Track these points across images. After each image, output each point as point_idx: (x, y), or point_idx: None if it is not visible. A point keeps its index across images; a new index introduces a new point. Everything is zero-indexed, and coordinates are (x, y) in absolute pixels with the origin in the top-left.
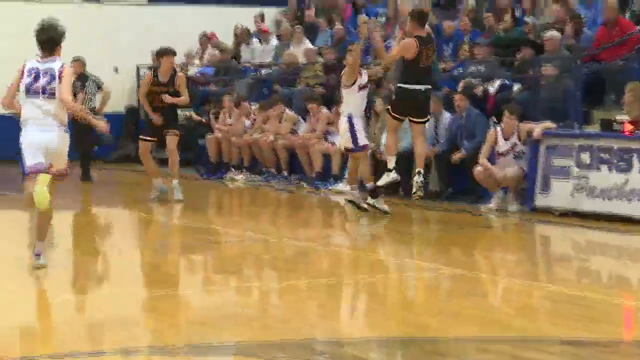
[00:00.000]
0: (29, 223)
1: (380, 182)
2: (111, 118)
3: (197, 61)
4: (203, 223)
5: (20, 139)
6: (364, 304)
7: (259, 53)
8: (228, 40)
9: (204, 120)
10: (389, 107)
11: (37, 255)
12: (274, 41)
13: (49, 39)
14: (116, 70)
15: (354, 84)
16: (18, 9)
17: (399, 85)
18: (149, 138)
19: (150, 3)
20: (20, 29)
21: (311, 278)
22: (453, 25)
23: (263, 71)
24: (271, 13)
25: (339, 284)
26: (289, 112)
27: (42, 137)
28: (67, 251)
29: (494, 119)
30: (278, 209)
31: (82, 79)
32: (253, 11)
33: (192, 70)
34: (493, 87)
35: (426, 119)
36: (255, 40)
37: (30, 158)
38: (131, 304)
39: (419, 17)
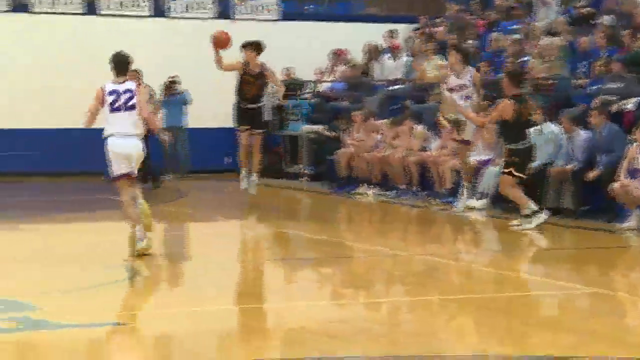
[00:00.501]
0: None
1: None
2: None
3: (328, 77)
4: (333, 237)
5: (106, 148)
6: (497, 320)
7: (389, 69)
8: (358, 57)
9: (334, 135)
10: (511, 169)
11: (141, 240)
12: (404, 57)
13: (124, 64)
14: None
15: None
16: (162, 25)
17: (510, 147)
18: (244, 127)
19: (281, 20)
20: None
21: (442, 294)
22: (588, 40)
23: (393, 87)
24: (402, 30)
25: (470, 300)
26: (418, 128)
27: (125, 146)
28: (207, 263)
29: (634, 135)
30: (408, 225)
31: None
32: (383, 27)
33: (323, 86)
34: (630, 104)
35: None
36: (385, 56)
37: (116, 165)
38: (261, 316)
39: (515, 76)
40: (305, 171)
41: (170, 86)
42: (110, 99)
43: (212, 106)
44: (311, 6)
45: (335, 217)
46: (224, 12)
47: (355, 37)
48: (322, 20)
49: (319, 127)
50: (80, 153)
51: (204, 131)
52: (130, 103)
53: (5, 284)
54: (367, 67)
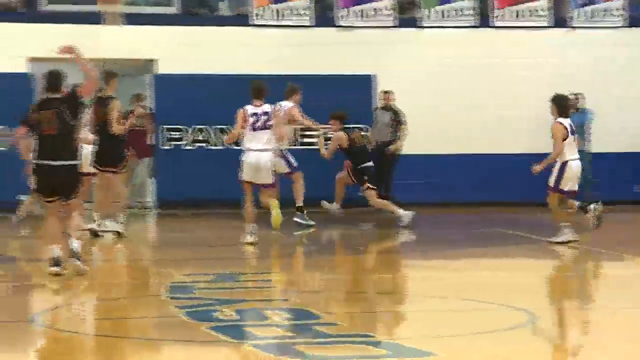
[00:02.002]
0: None
1: None
2: None
3: None
4: None
5: (243, 159)
6: None
7: None
8: None
9: None
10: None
11: None
12: None
13: (262, 90)
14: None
15: None
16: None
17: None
18: None
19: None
20: None
21: None
22: None
23: None
24: None
25: None
26: None
27: (259, 158)
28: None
29: None
30: None
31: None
32: None
33: None
34: None
35: None
36: None
37: (246, 174)
38: None
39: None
40: None
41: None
42: (251, 120)
43: (616, 127)
44: None
45: None
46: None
47: None
48: None
49: None
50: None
51: (607, 155)
52: (269, 123)
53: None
54: None
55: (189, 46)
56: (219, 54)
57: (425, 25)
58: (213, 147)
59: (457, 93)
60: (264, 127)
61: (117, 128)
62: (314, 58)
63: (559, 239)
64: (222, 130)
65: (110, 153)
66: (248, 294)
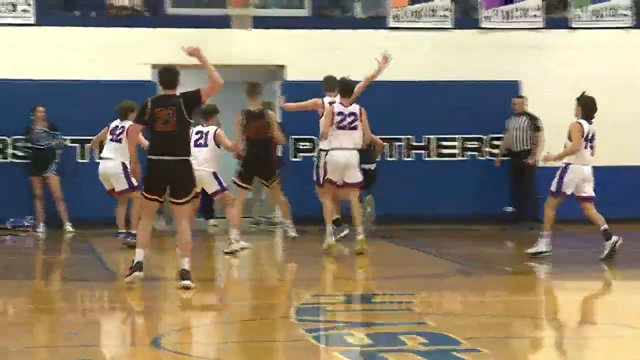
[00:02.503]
0: None
1: None
2: None
3: None
4: None
5: (326, 159)
6: None
7: None
8: None
9: None
10: None
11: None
12: None
13: (351, 90)
14: None
15: None
16: None
17: None
18: None
19: None
20: None
21: None
22: None
23: None
24: None
25: None
26: None
27: (348, 157)
28: None
29: None
30: None
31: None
32: None
33: None
34: None
35: None
36: None
37: (330, 174)
38: None
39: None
40: None
41: None
42: (338, 118)
43: None
44: None
45: None
46: None
47: None
48: None
49: None
50: None
51: None
52: (353, 124)
53: None
54: None
55: (320, 51)
56: (353, 59)
57: (576, 26)
58: None
59: (613, 101)
60: (350, 127)
61: (282, 138)
62: (454, 62)
63: (534, 250)
64: None
65: (265, 164)
66: (381, 316)
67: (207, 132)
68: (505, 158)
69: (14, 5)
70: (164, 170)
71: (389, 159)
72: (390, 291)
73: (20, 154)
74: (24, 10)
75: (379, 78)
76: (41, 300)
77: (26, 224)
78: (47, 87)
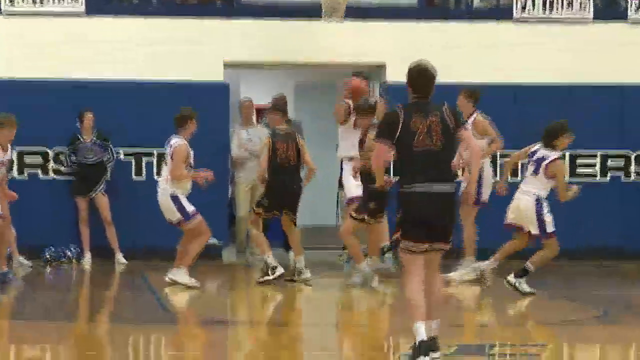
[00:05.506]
0: None
1: None
2: None
3: None
4: None
5: None
6: None
7: None
8: None
9: None
10: None
11: None
12: None
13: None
14: None
15: None
16: None
17: None
18: None
19: None
20: None
21: None
22: None
23: None
24: None
25: None
26: None
27: None
28: None
29: None
30: None
31: None
32: None
33: None
34: None
35: None
36: None
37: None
38: None
39: None
40: None
41: None
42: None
43: None
44: None
45: None
46: None
47: None
48: None
49: None
50: None
51: None
52: None
53: None
54: None
55: (429, 47)
56: (471, 57)
57: None
58: None
59: None
60: None
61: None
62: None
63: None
64: None
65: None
66: None
67: None
68: None
69: None
70: (436, 204)
71: None
72: (513, 342)
73: (63, 169)
74: None
75: (500, 80)
76: (86, 346)
77: (69, 253)
78: (97, 90)
